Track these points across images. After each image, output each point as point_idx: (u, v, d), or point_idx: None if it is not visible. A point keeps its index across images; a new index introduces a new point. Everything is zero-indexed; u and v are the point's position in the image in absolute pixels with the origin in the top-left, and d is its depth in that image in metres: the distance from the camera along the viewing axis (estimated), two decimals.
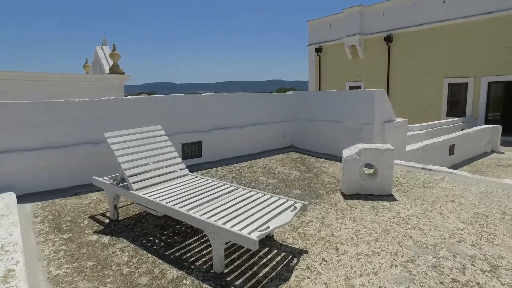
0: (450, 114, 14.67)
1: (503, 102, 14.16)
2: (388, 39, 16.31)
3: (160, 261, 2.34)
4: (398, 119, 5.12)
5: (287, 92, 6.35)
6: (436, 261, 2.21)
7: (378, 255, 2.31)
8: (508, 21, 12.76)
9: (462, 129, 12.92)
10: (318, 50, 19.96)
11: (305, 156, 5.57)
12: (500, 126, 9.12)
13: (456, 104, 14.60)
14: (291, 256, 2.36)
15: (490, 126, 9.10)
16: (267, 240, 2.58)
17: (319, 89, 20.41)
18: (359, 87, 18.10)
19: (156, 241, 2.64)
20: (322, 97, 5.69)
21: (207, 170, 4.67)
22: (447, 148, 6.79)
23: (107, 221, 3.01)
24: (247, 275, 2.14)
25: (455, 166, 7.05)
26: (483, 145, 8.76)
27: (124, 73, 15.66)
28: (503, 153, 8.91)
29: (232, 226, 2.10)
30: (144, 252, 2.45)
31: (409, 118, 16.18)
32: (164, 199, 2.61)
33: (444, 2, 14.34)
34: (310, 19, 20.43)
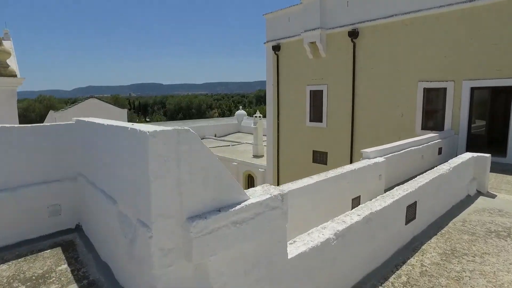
0: (426, 126, 11.78)
1: (489, 111, 11.38)
2: (353, 34, 13.35)
3: None
4: (260, 197, 2.03)
5: (69, 123, 3.24)
6: None
7: None
8: (495, 10, 9.92)
9: (440, 149, 10.03)
10: (276, 48, 16.90)
11: (62, 268, 2.41)
12: (489, 156, 6.16)
13: (433, 114, 11.74)
14: None
15: (475, 155, 6.12)
16: None
17: (277, 96, 17.40)
18: (321, 92, 15.13)
19: None
20: (96, 135, 2.54)
21: None
22: (403, 213, 3.77)
23: None
24: None
25: (416, 240, 4.01)
26: (464, 186, 5.80)
27: (15, 76, 12.26)
28: (494, 196, 5.96)
29: None
30: None
31: (378, 132, 13.23)
32: None
33: None
34: (268, 12, 17.39)
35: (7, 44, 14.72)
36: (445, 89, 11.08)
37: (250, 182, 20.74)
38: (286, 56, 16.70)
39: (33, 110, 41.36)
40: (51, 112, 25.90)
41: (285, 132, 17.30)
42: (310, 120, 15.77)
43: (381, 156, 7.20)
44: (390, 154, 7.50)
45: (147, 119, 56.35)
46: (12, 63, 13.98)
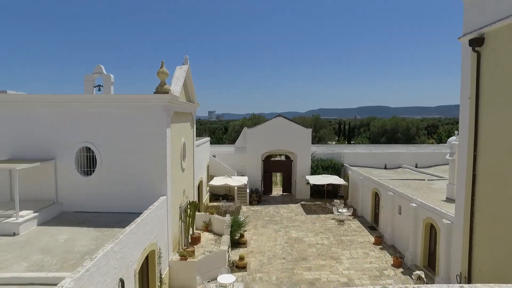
0: None
1: None
2: None
3: None
4: None
5: None
6: None
7: None
8: None
9: None
10: (476, 43, 10.98)
11: None
12: None
13: None
14: None
15: None
16: None
17: (476, 115, 11.22)
18: None
19: None
20: None
21: None
22: None
23: None
24: None
25: None
26: None
27: (167, 93, 13.26)
28: None
29: None
30: None
31: None
32: None
33: None
34: None
35: (184, 68, 16.65)
36: None
37: (432, 235, 14.63)
38: (492, 52, 10.53)
39: (245, 125, 48.52)
40: (245, 129, 28.47)
41: (485, 170, 10.88)
42: None
43: None
44: None
45: (352, 141, 53.94)
46: (177, 83, 15.57)
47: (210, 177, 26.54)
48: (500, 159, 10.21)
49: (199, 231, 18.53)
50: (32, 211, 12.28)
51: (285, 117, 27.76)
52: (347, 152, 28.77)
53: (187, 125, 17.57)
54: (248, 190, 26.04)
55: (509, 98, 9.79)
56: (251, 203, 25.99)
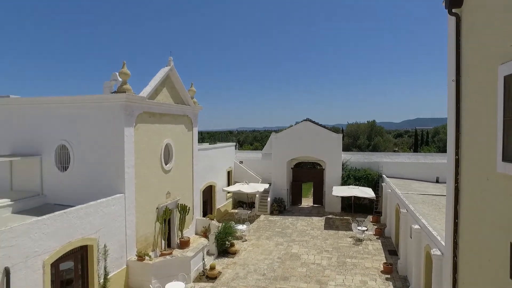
0: None
1: None
2: None
3: None
4: None
5: None
6: None
7: None
8: None
9: None
10: (455, 3, 7.80)
11: None
12: None
13: None
14: None
15: None
16: None
17: (457, 109, 7.86)
18: None
19: None
20: None
21: None
22: None
23: None
24: None
25: None
26: None
27: (124, 92, 12.94)
28: None
29: None
30: None
31: None
32: None
33: None
34: None
35: (165, 69, 16.16)
36: None
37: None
38: (470, 13, 7.28)
39: None
40: (273, 133, 26.66)
41: (467, 182, 7.49)
42: (504, 158, 5.70)
43: None
44: None
45: (417, 151, 46.41)
46: (151, 83, 15.10)
47: (234, 183, 25.55)
48: (472, 162, 6.87)
49: (191, 236, 17.68)
50: (9, 200, 13.19)
51: (313, 121, 25.05)
52: (387, 161, 24.42)
53: (178, 127, 17.01)
54: (269, 199, 24.14)
55: (474, 72, 6.52)
56: (271, 213, 23.99)
